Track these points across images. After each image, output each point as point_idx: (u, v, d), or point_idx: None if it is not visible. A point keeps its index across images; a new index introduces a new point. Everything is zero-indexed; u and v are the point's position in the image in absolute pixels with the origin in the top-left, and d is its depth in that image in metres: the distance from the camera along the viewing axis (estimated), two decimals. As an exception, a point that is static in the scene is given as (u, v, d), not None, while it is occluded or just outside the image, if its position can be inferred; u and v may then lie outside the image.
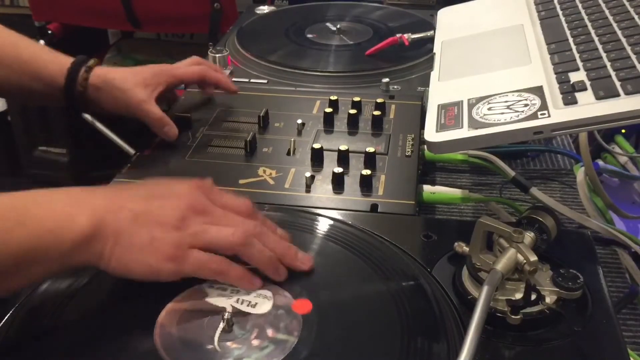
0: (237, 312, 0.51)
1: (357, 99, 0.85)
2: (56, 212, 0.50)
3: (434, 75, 0.76)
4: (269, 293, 0.53)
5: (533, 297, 0.50)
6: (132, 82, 0.79)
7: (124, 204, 0.53)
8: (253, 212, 0.57)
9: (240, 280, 0.53)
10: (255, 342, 0.49)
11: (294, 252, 0.56)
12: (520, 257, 0.50)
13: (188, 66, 0.85)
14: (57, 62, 0.79)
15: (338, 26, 1.09)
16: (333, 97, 0.85)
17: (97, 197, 0.53)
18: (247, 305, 0.52)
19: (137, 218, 0.52)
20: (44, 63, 0.78)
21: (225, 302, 0.52)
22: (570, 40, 0.69)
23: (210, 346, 0.49)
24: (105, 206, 0.52)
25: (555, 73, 0.63)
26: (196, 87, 0.89)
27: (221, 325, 0.50)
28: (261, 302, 0.52)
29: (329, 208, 0.66)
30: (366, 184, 0.69)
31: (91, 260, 0.51)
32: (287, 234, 0.58)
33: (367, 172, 0.70)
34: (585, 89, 0.59)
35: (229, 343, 0.49)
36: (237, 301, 0.52)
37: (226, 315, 0.50)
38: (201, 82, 0.86)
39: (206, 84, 0.86)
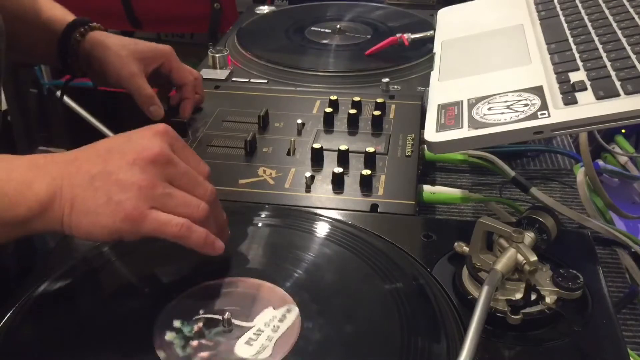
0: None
1: (357, 99, 0.85)
2: (14, 177, 0.50)
3: (434, 75, 0.76)
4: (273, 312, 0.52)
5: (533, 297, 0.50)
6: (130, 51, 0.78)
7: (81, 166, 0.51)
8: (210, 175, 0.56)
9: (203, 245, 0.52)
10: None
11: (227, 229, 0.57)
12: (520, 257, 0.50)
13: (186, 70, 0.84)
14: (64, 19, 0.79)
15: (338, 26, 1.09)
16: (333, 97, 0.85)
17: (57, 163, 0.52)
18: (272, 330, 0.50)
19: (94, 180, 0.50)
20: (53, 19, 0.79)
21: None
22: (570, 40, 0.69)
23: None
24: (63, 172, 0.51)
25: (555, 73, 0.63)
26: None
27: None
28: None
29: (329, 208, 0.66)
30: (366, 184, 0.69)
31: (51, 227, 0.50)
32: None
33: (367, 172, 0.70)
34: (585, 89, 0.59)
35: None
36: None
37: (225, 316, 0.50)
38: (179, 89, 0.84)
39: (181, 94, 0.84)
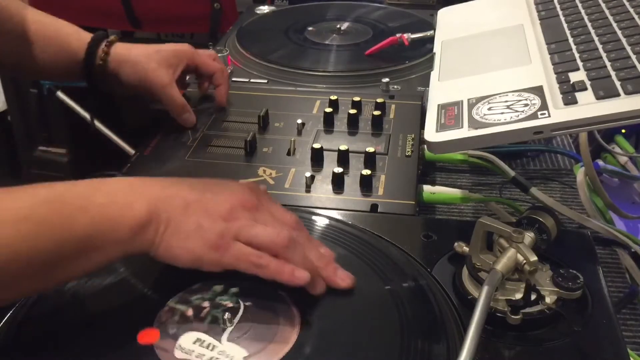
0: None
1: (357, 98, 0.85)
2: (117, 200, 0.51)
3: (434, 75, 0.76)
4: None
5: (533, 297, 0.50)
6: (156, 61, 0.79)
7: (178, 192, 0.54)
8: (298, 226, 0.56)
9: (283, 274, 0.52)
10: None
11: (334, 267, 0.55)
12: (520, 257, 0.50)
13: (207, 57, 0.85)
14: (79, 37, 0.79)
15: (338, 26, 1.09)
16: (333, 97, 0.85)
17: (154, 186, 0.54)
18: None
19: (189, 207, 0.53)
20: (67, 38, 0.79)
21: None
22: (570, 40, 0.69)
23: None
24: (161, 194, 0.53)
25: (555, 73, 0.63)
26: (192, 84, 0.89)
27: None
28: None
29: (329, 208, 0.66)
30: (366, 184, 0.69)
31: (144, 247, 0.51)
32: (331, 252, 0.57)
33: (367, 172, 0.70)
34: (585, 89, 0.59)
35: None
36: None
37: (226, 316, 0.50)
38: (209, 78, 0.86)
39: (211, 82, 0.86)
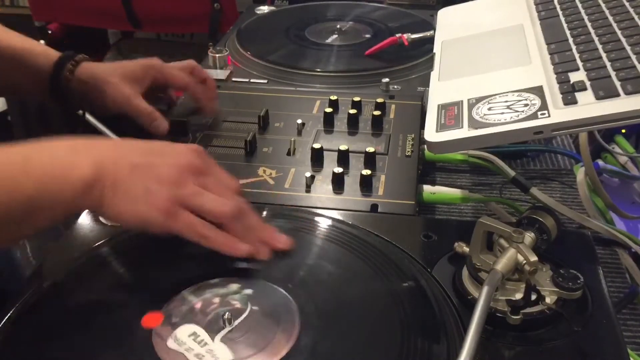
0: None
1: (357, 99, 0.85)
2: (58, 160, 0.52)
3: (434, 75, 0.76)
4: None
5: (533, 297, 0.50)
6: (119, 76, 0.79)
7: (125, 155, 0.55)
8: (240, 191, 0.59)
9: (224, 246, 0.54)
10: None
11: (274, 232, 0.58)
12: (520, 257, 0.50)
13: (180, 70, 0.83)
14: (47, 56, 0.79)
15: (338, 26, 1.09)
16: (333, 97, 0.85)
17: (99, 147, 0.55)
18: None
19: (136, 169, 0.54)
20: (35, 56, 0.79)
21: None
22: (570, 40, 0.69)
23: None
24: (107, 155, 0.54)
25: (555, 73, 0.63)
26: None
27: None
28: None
29: (329, 208, 0.66)
30: (366, 184, 0.69)
31: (90, 206, 0.53)
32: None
33: (367, 172, 0.70)
34: (585, 89, 0.59)
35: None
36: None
37: (226, 315, 0.50)
38: (185, 91, 0.85)
39: (190, 94, 0.84)
